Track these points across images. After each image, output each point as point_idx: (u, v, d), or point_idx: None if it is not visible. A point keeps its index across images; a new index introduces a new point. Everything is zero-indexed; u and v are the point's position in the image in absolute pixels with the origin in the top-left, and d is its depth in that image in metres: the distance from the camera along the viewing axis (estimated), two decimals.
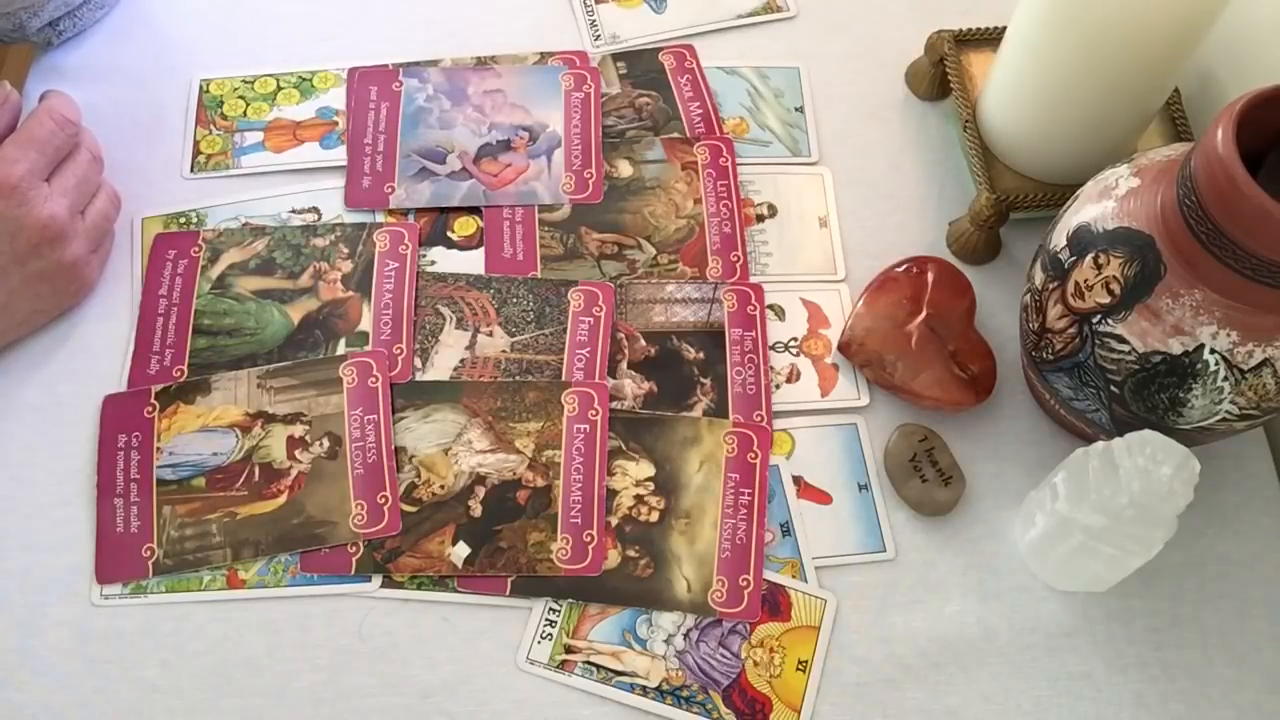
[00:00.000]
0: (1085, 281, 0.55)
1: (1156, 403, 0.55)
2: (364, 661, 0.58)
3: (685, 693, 0.58)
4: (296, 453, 0.62)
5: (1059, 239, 0.58)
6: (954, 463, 0.64)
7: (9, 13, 0.68)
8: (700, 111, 0.75)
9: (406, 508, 0.61)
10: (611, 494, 0.62)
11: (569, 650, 0.59)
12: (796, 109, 0.76)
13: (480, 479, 0.62)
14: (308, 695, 0.58)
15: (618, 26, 0.78)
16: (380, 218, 0.70)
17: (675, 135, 0.74)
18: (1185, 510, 0.53)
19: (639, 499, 0.62)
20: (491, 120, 0.73)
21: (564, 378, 0.65)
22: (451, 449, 0.63)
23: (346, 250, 0.69)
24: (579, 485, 0.62)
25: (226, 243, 0.69)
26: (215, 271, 0.68)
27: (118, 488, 0.61)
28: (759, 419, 0.65)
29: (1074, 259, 0.56)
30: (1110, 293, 0.54)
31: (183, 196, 0.70)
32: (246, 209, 0.70)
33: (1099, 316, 0.55)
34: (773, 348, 0.68)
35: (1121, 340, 0.54)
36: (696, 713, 0.58)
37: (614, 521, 0.62)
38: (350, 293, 0.67)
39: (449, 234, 0.70)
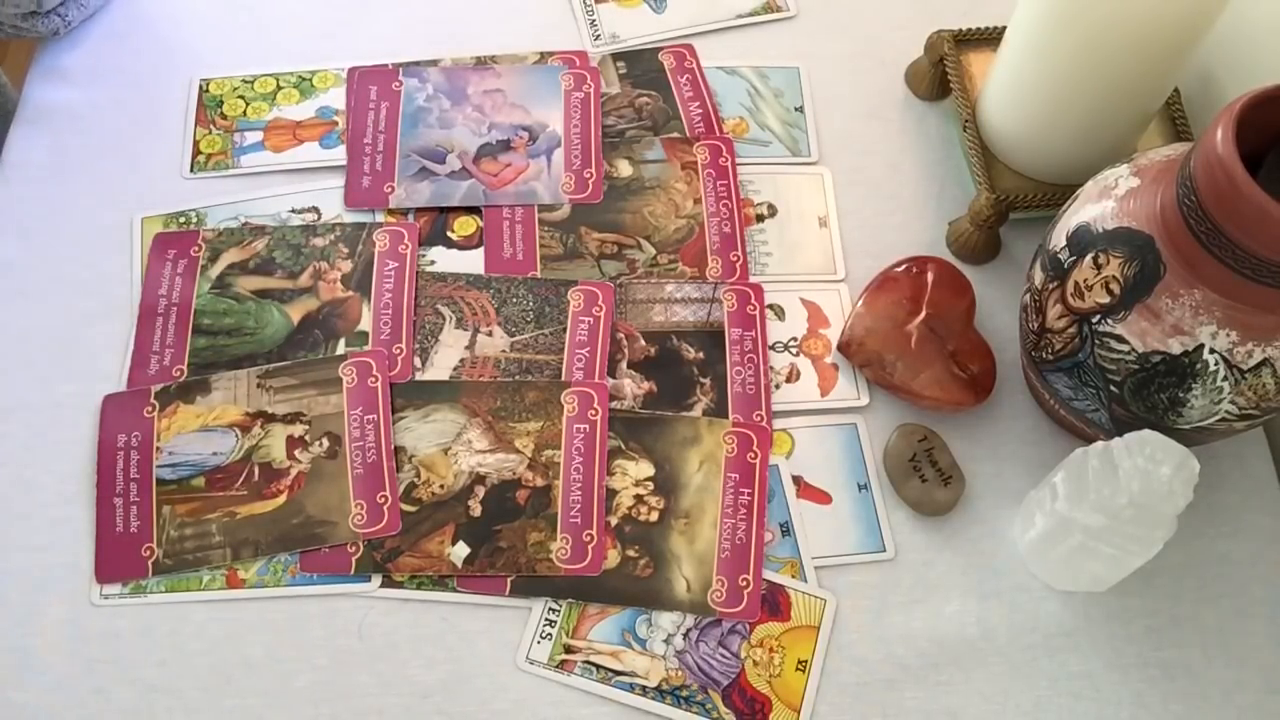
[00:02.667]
0: (1085, 281, 0.55)
1: (1156, 403, 0.55)
2: (364, 661, 0.58)
3: (685, 693, 0.58)
4: (296, 452, 0.62)
5: (1059, 239, 0.58)
6: (953, 463, 0.64)
7: None
8: (700, 111, 0.75)
9: (406, 507, 0.61)
10: (611, 494, 0.62)
11: (568, 650, 0.59)
12: (796, 109, 0.76)
13: (480, 479, 0.62)
14: (307, 695, 0.58)
15: (617, 26, 0.78)
16: (380, 217, 0.70)
17: (675, 135, 0.74)
18: (1185, 510, 0.53)
19: (639, 499, 0.62)
20: (491, 120, 0.73)
21: (564, 378, 0.65)
22: (451, 449, 0.63)
23: (346, 250, 0.69)
24: (579, 485, 0.62)
25: (226, 242, 0.69)
26: (215, 271, 0.68)
27: (118, 488, 0.61)
28: (759, 419, 0.65)
29: (1074, 259, 0.56)
30: (1110, 293, 0.54)
31: (182, 196, 0.70)
32: (246, 209, 0.70)
33: (1099, 316, 0.55)
34: (772, 347, 0.68)
35: (1121, 340, 0.54)
36: (696, 713, 0.58)
37: (614, 521, 0.62)
38: (350, 292, 0.67)
39: (449, 234, 0.70)
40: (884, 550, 0.62)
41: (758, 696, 0.58)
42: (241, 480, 0.62)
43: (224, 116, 0.73)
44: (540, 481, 0.62)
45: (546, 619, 0.60)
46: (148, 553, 0.60)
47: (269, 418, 0.63)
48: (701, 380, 0.66)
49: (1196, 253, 0.51)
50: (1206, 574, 0.63)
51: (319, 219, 0.70)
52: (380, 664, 0.58)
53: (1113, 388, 0.56)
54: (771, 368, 0.67)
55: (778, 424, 0.65)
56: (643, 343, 0.67)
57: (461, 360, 0.66)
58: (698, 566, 0.61)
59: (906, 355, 0.65)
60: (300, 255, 0.68)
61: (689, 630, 0.60)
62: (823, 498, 0.64)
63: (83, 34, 0.76)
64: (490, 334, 0.67)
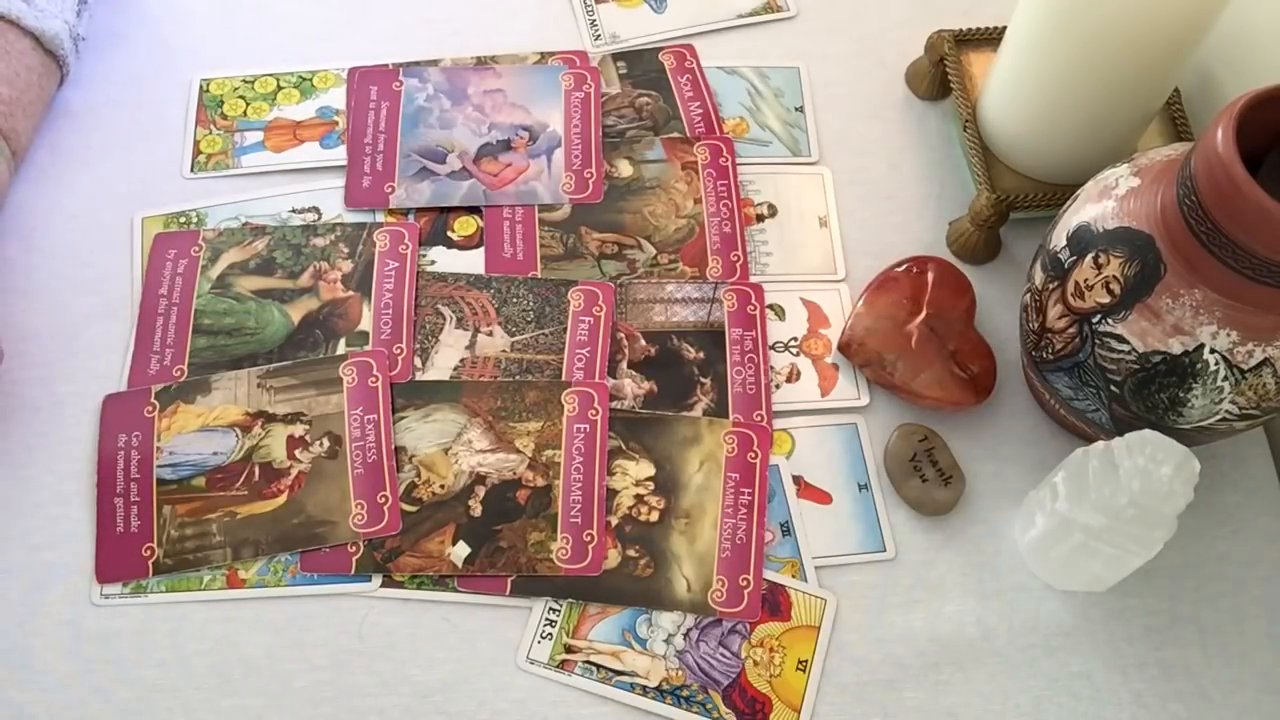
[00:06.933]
0: (1085, 281, 0.55)
1: (1156, 403, 0.55)
2: (364, 661, 0.58)
3: (685, 692, 0.58)
4: (296, 452, 0.62)
5: (1059, 239, 0.58)
6: (954, 462, 0.64)
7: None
8: (700, 111, 0.75)
9: (406, 507, 0.61)
10: (611, 494, 0.62)
11: (569, 650, 0.59)
12: (796, 109, 0.76)
13: (480, 478, 0.62)
14: (307, 695, 0.58)
15: (618, 26, 0.78)
16: (380, 217, 0.70)
17: (675, 135, 0.74)
18: (1185, 510, 0.53)
19: (639, 499, 0.62)
20: (491, 120, 0.73)
21: (564, 377, 0.65)
22: (451, 448, 0.63)
23: (346, 250, 0.69)
24: (579, 485, 0.62)
25: (226, 242, 0.69)
26: (215, 271, 0.68)
27: (118, 487, 0.61)
28: (759, 419, 0.65)
29: (1074, 259, 0.56)
30: (1110, 292, 0.54)
31: (183, 196, 0.70)
32: (246, 209, 0.70)
33: (1099, 316, 0.55)
34: (773, 347, 0.68)
35: (1121, 340, 0.54)
36: (696, 712, 0.58)
37: (614, 521, 0.62)
38: (350, 292, 0.67)
39: (449, 234, 0.70)
40: (884, 550, 0.62)
41: (758, 696, 0.58)
42: (242, 480, 0.62)
43: (224, 116, 0.73)
44: (541, 481, 0.62)
45: (547, 619, 0.60)
46: (148, 553, 0.60)
47: (269, 418, 0.63)
48: (702, 380, 0.66)
49: (1197, 252, 0.51)
50: (1206, 574, 0.63)
51: (319, 219, 0.70)
52: (380, 664, 0.58)
53: (1113, 388, 0.56)
54: (772, 368, 0.67)
55: (778, 424, 0.65)
56: (643, 343, 0.67)
57: (462, 360, 0.66)
58: (698, 566, 0.61)
59: (906, 355, 0.65)
60: (300, 255, 0.68)
61: (689, 630, 0.60)
62: (823, 497, 0.64)
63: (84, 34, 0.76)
64: (490, 334, 0.67)
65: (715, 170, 0.72)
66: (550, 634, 0.59)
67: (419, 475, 0.62)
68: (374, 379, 0.64)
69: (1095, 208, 0.56)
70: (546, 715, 0.58)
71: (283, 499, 0.61)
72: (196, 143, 0.72)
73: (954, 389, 0.64)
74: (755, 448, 0.64)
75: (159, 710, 0.57)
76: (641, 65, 0.77)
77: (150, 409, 0.63)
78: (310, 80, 0.75)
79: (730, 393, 0.66)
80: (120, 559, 0.60)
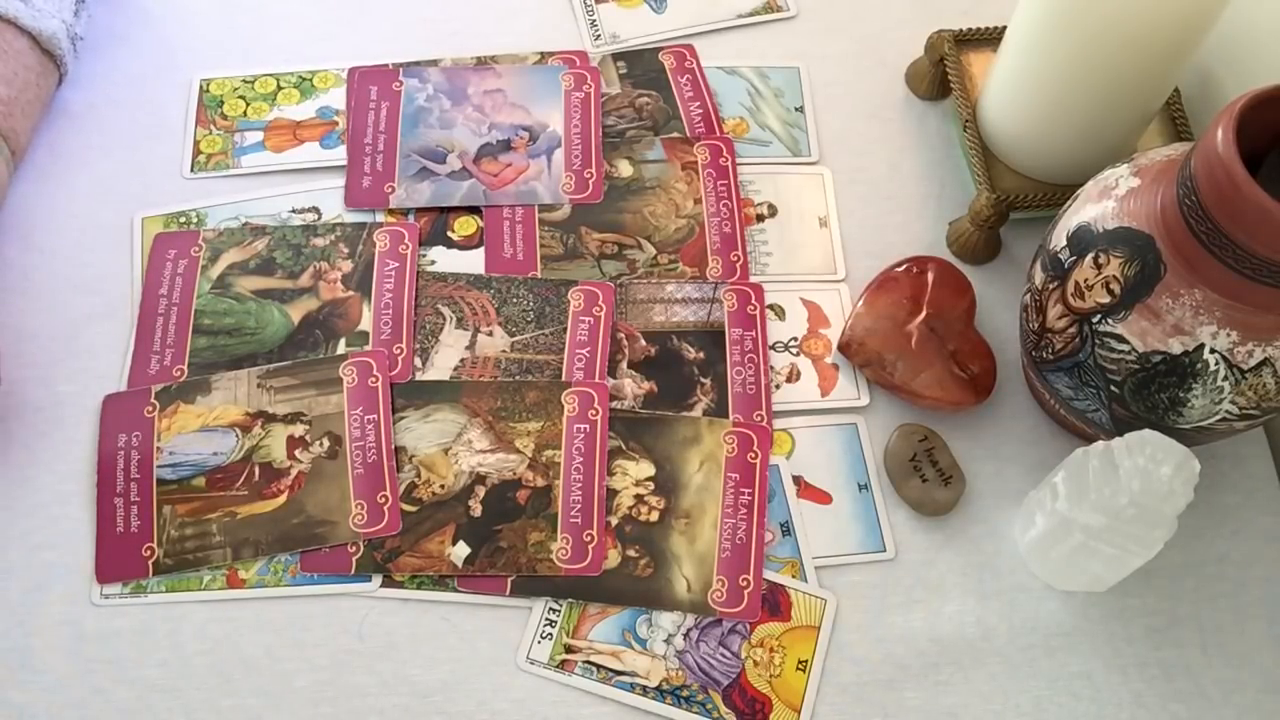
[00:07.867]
0: (1085, 281, 0.55)
1: (1156, 403, 0.55)
2: (364, 661, 0.58)
3: (685, 692, 0.58)
4: (296, 452, 0.62)
5: (1059, 239, 0.58)
6: (954, 462, 0.64)
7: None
8: (700, 111, 0.75)
9: (406, 507, 0.61)
10: (611, 494, 0.62)
11: (569, 650, 0.59)
12: (796, 109, 0.76)
13: (480, 478, 0.62)
14: (307, 695, 0.58)
15: (618, 26, 0.78)
16: (380, 217, 0.70)
17: (675, 135, 0.74)
18: (1185, 510, 0.53)
19: (639, 499, 0.62)
20: (491, 120, 0.73)
21: (564, 378, 0.65)
22: (451, 449, 0.63)
23: (346, 250, 0.69)
24: (579, 485, 0.62)
25: (226, 242, 0.69)
26: (215, 271, 0.68)
27: (118, 487, 0.61)
28: (759, 419, 0.65)
29: (1074, 259, 0.56)
30: (1110, 292, 0.54)
31: (183, 196, 0.70)
32: (246, 209, 0.70)
33: (1099, 316, 0.55)
34: (773, 347, 0.68)
35: (1121, 340, 0.54)
36: (696, 712, 0.58)
37: (614, 521, 0.62)
38: (350, 292, 0.67)
39: (449, 234, 0.70)
40: (884, 550, 0.62)
41: (758, 696, 0.58)
42: (242, 480, 0.62)
43: (224, 116, 0.73)
44: (541, 481, 0.62)
45: (547, 619, 0.60)
46: (148, 553, 0.60)
47: (269, 418, 0.63)
48: (702, 380, 0.66)
49: (1197, 252, 0.51)
50: (1206, 574, 0.63)
51: (319, 219, 0.70)
52: (380, 664, 0.58)
53: (1113, 388, 0.56)
54: (772, 368, 0.67)
55: (778, 424, 0.65)
56: (643, 343, 0.67)
57: (462, 360, 0.66)
58: (698, 566, 0.61)
59: (907, 355, 0.65)
60: (301, 255, 0.68)
61: (689, 630, 0.60)
62: (823, 498, 0.64)
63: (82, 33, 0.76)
64: (490, 334, 0.67)
65: (715, 170, 0.72)
66: (550, 634, 0.59)
67: (419, 475, 0.62)
68: (374, 379, 0.64)
69: (1095, 208, 0.56)
70: (546, 715, 0.58)
71: (283, 499, 0.61)
72: (196, 143, 0.72)
73: (954, 389, 0.64)
74: (755, 448, 0.64)
75: (159, 710, 0.57)
76: (641, 65, 0.77)
77: (150, 409, 0.63)
78: (310, 80, 0.75)
79: (730, 393, 0.66)
80: (120, 559, 0.60)
